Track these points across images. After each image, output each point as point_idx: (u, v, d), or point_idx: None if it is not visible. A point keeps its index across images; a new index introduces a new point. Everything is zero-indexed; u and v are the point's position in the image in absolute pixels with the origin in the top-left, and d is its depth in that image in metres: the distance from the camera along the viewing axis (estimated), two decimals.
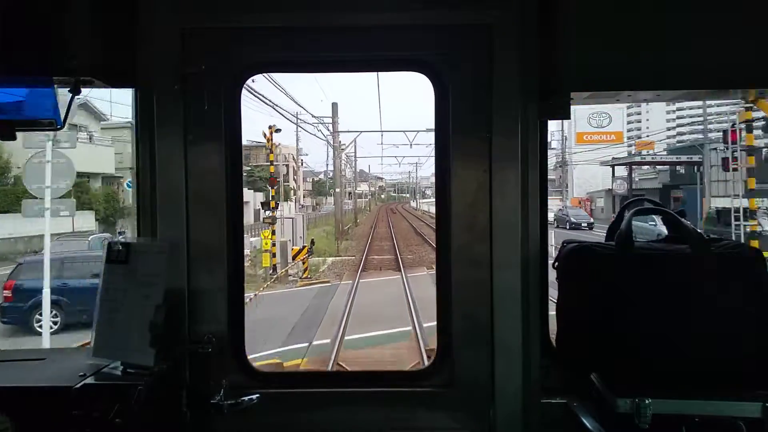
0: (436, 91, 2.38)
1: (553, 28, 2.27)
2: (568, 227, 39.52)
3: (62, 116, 2.32)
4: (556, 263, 2.26)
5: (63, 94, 2.28)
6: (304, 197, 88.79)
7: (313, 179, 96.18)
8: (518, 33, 2.25)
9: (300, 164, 76.40)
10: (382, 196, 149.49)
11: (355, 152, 66.89)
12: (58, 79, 2.20)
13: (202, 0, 2.32)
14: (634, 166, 45.40)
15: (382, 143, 55.76)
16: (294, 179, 78.43)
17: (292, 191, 75.22)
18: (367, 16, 2.32)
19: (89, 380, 2.00)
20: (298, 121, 43.57)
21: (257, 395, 2.24)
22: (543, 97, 2.27)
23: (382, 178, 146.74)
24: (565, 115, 2.28)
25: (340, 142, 47.16)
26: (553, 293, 2.30)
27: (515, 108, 2.26)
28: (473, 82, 2.30)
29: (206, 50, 2.30)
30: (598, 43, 2.30)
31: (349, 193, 79.58)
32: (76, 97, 2.20)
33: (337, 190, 46.99)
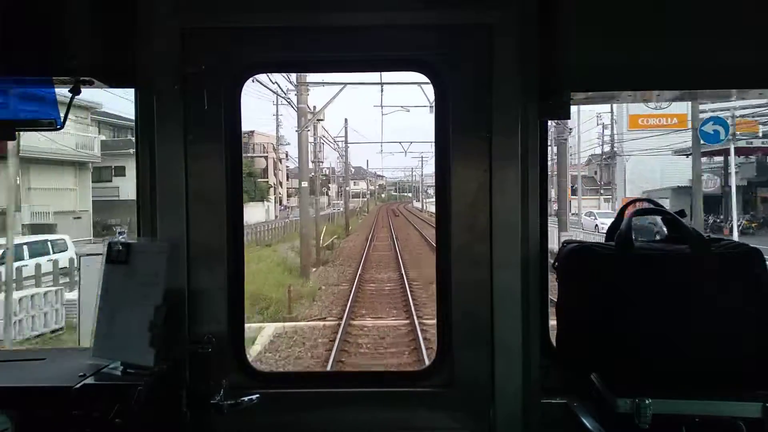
0: (436, 91, 2.38)
1: (553, 28, 2.27)
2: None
3: (62, 116, 2.32)
4: (556, 263, 2.26)
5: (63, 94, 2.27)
6: (288, 196, 73.32)
7: None
8: (518, 33, 2.25)
9: (285, 156, 64.56)
10: (383, 195, 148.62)
11: (345, 137, 51.79)
12: (58, 79, 2.20)
13: (202, 0, 2.32)
14: (709, 157, 33.92)
15: (381, 105, 41.22)
16: (275, 174, 66.04)
17: (271, 189, 62.38)
18: (367, 16, 2.32)
19: (89, 380, 2.00)
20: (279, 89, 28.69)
21: (257, 395, 2.24)
22: (543, 97, 2.27)
23: (382, 176, 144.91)
24: (565, 114, 2.28)
25: (314, 107, 29.92)
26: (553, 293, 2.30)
27: (515, 108, 2.26)
28: (473, 82, 2.31)
29: (206, 50, 2.30)
30: (598, 43, 2.30)
31: (340, 192, 67.24)
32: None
33: (304, 184, 26.71)
